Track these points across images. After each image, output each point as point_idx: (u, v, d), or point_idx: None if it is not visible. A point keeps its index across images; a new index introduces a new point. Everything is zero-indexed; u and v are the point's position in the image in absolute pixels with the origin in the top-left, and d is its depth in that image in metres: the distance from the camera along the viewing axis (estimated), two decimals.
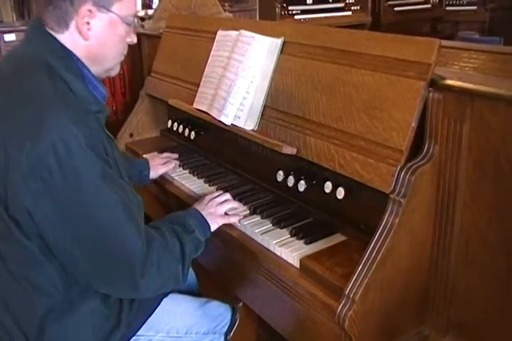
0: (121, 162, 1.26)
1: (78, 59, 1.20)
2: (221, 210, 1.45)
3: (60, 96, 1.10)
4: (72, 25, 1.18)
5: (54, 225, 1.07)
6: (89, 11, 1.17)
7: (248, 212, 1.50)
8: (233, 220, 1.45)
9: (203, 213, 1.39)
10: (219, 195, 1.51)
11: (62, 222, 1.07)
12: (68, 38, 1.19)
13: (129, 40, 1.29)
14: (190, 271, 1.61)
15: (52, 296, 1.15)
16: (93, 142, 1.08)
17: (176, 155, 1.92)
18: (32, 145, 1.03)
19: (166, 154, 1.92)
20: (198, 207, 1.43)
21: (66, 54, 1.18)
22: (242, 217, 1.47)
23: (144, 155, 1.97)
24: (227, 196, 1.52)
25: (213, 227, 1.39)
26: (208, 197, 1.49)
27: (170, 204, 1.79)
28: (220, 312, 1.48)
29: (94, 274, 1.14)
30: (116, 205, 1.10)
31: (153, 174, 1.79)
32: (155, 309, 1.34)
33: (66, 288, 1.16)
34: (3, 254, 1.14)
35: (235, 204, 1.51)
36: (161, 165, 1.82)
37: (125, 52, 1.32)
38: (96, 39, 1.20)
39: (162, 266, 1.16)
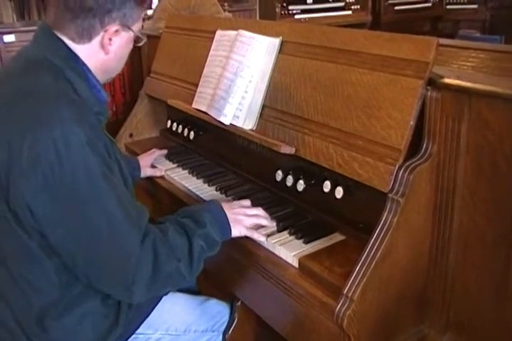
0: (124, 164, 1.26)
1: (84, 63, 1.22)
2: (249, 221, 1.35)
3: (62, 93, 1.12)
4: (96, 39, 1.22)
5: (52, 221, 1.08)
6: (117, 30, 1.22)
7: None
8: (262, 239, 1.34)
9: (228, 216, 1.32)
10: (251, 207, 1.41)
11: (60, 218, 1.07)
12: (87, 50, 1.22)
13: None
14: None
15: (48, 294, 1.16)
16: (93, 140, 1.08)
17: (164, 151, 1.96)
18: (33, 140, 1.04)
19: (153, 149, 1.96)
20: (224, 206, 1.34)
21: (71, 56, 1.21)
22: (265, 238, 1.35)
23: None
24: (260, 211, 1.40)
25: (234, 233, 1.31)
26: (237, 203, 1.41)
27: (168, 204, 1.79)
28: (218, 310, 1.48)
29: (92, 273, 1.14)
30: (113, 205, 1.09)
31: (142, 174, 1.84)
32: (154, 307, 1.34)
33: (64, 287, 1.16)
34: (2, 250, 1.15)
35: (265, 222, 1.39)
36: (148, 168, 1.86)
37: None
38: (114, 54, 1.25)
39: (159, 264, 1.14)
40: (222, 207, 1.33)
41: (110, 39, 1.22)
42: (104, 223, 1.09)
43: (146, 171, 1.84)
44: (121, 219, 1.10)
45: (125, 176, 1.24)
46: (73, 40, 1.21)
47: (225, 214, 1.32)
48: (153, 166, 1.89)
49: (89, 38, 1.21)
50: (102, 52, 1.23)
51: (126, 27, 1.23)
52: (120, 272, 1.12)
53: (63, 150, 1.04)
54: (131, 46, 1.30)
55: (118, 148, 1.32)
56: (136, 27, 1.27)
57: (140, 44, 1.34)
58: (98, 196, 1.08)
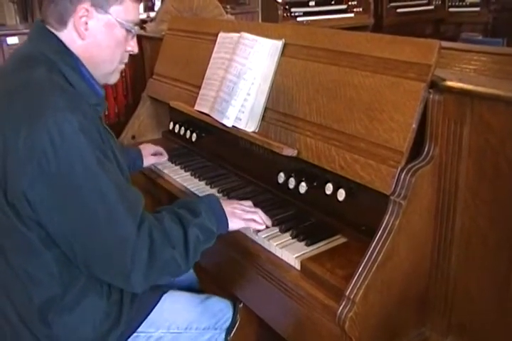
0: (120, 155, 1.27)
1: (78, 58, 1.23)
2: (246, 216, 1.35)
3: (56, 84, 1.14)
4: (71, 23, 1.21)
5: (50, 210, 1.08)
6: (86, 10, 1.20)
7: None
8: (261, 227, 1.37)
9: (226, 209, 1.31)
10: (250, 206, 1.41)
11: (57, 207, 1.08)
12: (67, 36, 1.22)
13: (129, 48, 1.31)
14: None
15: (49, 288, 1.16)
16: (87, 128, 1.09)
17: (165, 157, 1.96)
18: (28, 130, 1.05)
19: (158, 147, 1.96)
20: (223, 201, 1.35)
21: (65, 50, 1.21)
22: (264, 227, 1.38)
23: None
24: (259, 212, 1.40)
25: (232, 226, 1.32)
26: (236, 201, 1.41)
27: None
28: (220, 308, 1.47)
29: (90, 261, 1.14)
30: (110, 191, 1.10)
31: (145, 163, 1.85)
32: (155, 306, 1.35)
33: (66, 283, 1.17)
34: (2, 243, 1.16)
35: (263, 221, 1.39)
36: (151, 156, 1.89)
37: (125, 60, 1.33)
38: (92, 39, 1.23)
39: (155, 251, 1.13)
40: (219, 199, 1.34)
41: (86, 23, 1.20)
42: (101, 208, 1.09)
43: (149, 159, 1.86)
44: (117, 204, 1.10)
45: (121, 166, 1.25)
46: (55, 28, 1.22)
47: (222, 206, 1.32)
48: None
49: (65, 22, 1.21)
50: (79, 37, 1.21)
51: (100, 8, 1.20)
52: (118, 259, 1.12)
53: (57, 138, 1.05)
54: (116, 35, 1.24)
55: (116, 140, 1.32)
56: (117, 12, 1.22)
57: (133, 51, 1.32)
58: (93, 181, 1.09)
